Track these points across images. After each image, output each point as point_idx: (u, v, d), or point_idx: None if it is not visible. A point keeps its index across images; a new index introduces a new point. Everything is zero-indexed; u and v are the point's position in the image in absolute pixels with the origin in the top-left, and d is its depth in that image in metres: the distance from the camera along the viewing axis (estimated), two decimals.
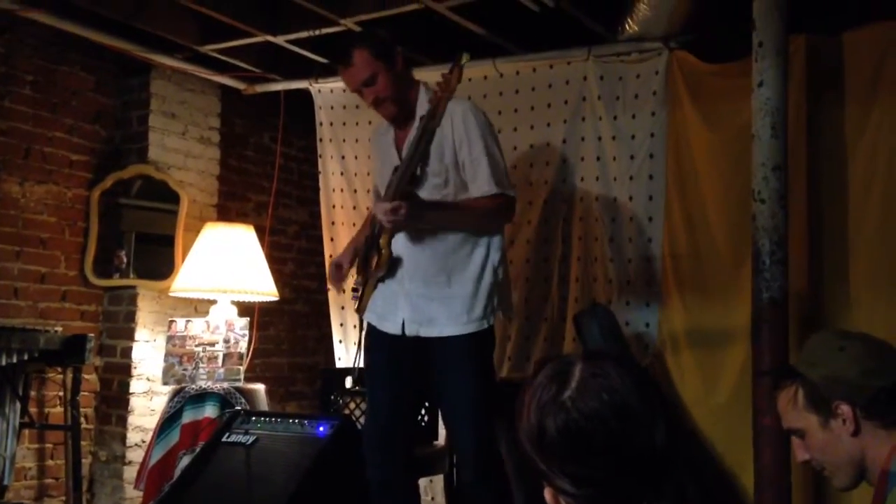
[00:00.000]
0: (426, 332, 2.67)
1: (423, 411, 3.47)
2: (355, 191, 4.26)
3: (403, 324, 2.69)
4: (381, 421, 2.75)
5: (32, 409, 3.81)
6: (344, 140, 4.28)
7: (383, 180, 2.81)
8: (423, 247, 2.68)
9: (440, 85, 2.55)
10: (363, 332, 2.87)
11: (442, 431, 3.47)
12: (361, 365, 2.99)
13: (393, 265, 2.70)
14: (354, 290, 2.82)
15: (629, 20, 3.31)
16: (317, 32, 3.75)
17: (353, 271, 2.92)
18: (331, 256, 4.32)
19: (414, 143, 2.61)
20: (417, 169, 2.61)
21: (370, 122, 4.19)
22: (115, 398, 4.14)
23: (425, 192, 2.67)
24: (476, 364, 2.67)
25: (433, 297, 2.67)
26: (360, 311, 2.83)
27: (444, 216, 2.67)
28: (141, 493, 3.73)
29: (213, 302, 4.00)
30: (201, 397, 3.72)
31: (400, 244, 2.70)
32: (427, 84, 2.80)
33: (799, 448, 1.75)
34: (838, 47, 3.12)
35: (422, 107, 2.70)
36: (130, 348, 4.12)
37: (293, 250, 5.08)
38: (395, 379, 2.74)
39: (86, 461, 4.05)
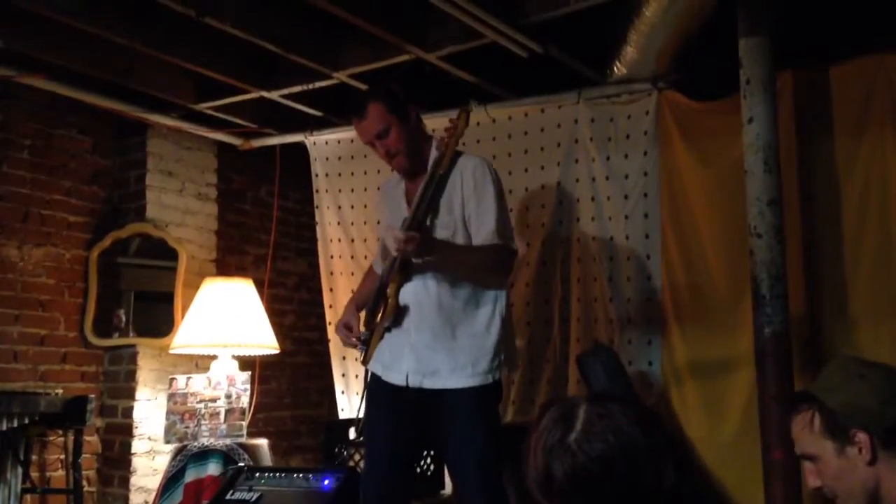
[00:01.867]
0: (430, 383, 2.64)
1: (428, 461, 3.44)
2: (353, 240, 4.27)
3: (408, 375, 2.67)
4: (379, 473, 2.71)
5: (34, 474, 3.76)
6: (340, 190, 4.31)
7: (390, 233, 2.81)
8: (431, 299, 2.67)
9: (448, 130, 2.59)
10: (366, 383, 2.85)
11: (448, 480, 3.43)
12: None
13: (399, 315, 2.69)
14: (362, 341, 2.81)
15: (617, 62, 3.35)
16: (310, 87, 3.80)
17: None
18: (331, 307, 4.32)
19: (423, 191, 2.63)
20: (427, 219, 2.63)
21: (366, 173, 4.23)
22: (117, 459, 4.10)
23: None
24: (482, 418, 2.62)
25: (438, 348, 2.65)
26: (365, 361, 2.82)
27: (451, 254, 2.67)
28: None
29: (214, 357, 3.99)
30: (204, 455, 3.68)
31: (408, 295, 2.69)
32: (437, 138, 2.83)
33: (811, 474, 1.73)
34: (825, 81, 3.16)
35: (434, 159, 2.72)
36: (131, 408, 4.09)
37: (293, 302, 5.08)
38: (395, 431, 2.70)
39: None
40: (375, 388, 2.79)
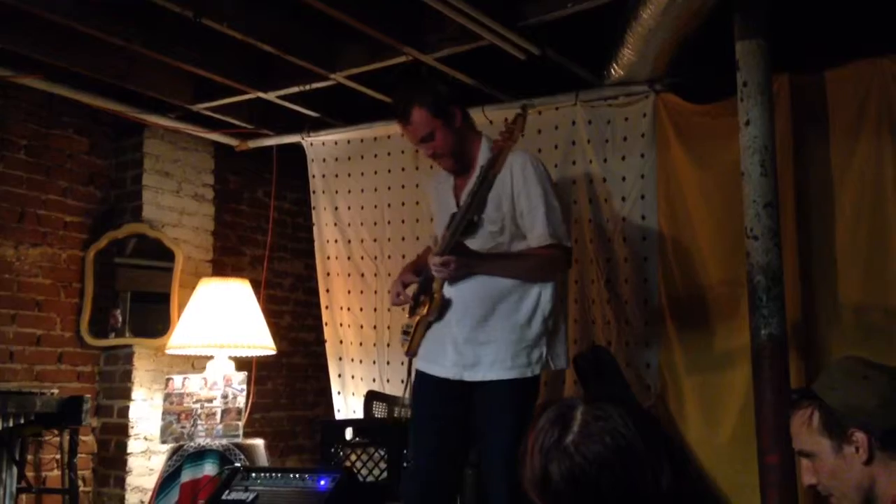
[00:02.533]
0: (470, 375, 2.66)
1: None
2: (349, 241, 4.27)
3: (450, 368, 2.69)
4: (424, 468, 2.73)
5: (29, 474, 3.75)
6: (337, 191, 4.31)
7: (441, 226, 2.81)
8: (474, 292, 2.67)
9: (503, 134, 2.58)
10: (411, 377, 2.84)
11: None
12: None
13: (443, 309, 2.70)
14: (405, 332, 2.81)
15: (614, 65, 3.36)
16: (307, 88, 3.80)
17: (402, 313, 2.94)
18: (327, 307, 4.32)
19: (472, 191, 2.62)
20: (475, 216, 2.63)
21: (362, 174, 4.23)
22: (112, 459, 4.09)
23: (481, 239, 2.69)
24: (514, 411, 2.61)
25: (479, 340, 2.66)
26: (409, 352, 2.82)
27: (495, 266, 2.68)
28: None
29: (210, 358, 3.98)
30: (200, 455, 3.67)
31: (451, 288, 2.70)
32: (488, 136, 2.83)
33: (807, 471, 1.73)
34: (821, 85, 3.17)
35: (483, 157, 2.73)
36: (127, 408, 4.08)
37: (289, 303, 5.07)
38: (440, 425, 2.72)
39: None
40: (419, 384, 2.80)
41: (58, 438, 3.80)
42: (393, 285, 2.96)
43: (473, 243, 2.67)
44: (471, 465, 2.97)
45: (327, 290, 4.33)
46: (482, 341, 2.65)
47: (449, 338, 2.70)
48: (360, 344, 4.20)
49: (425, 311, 2.73)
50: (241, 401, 3.89)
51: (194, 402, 3.85)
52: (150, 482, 3.92)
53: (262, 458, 3.81)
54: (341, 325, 4.28)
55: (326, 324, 4.33)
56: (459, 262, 2.57)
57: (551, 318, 2.71)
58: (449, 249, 2.59)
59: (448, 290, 2.70)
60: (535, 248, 2.68)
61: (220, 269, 4.62)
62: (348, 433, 3.63)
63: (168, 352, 4.04)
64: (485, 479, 2.75)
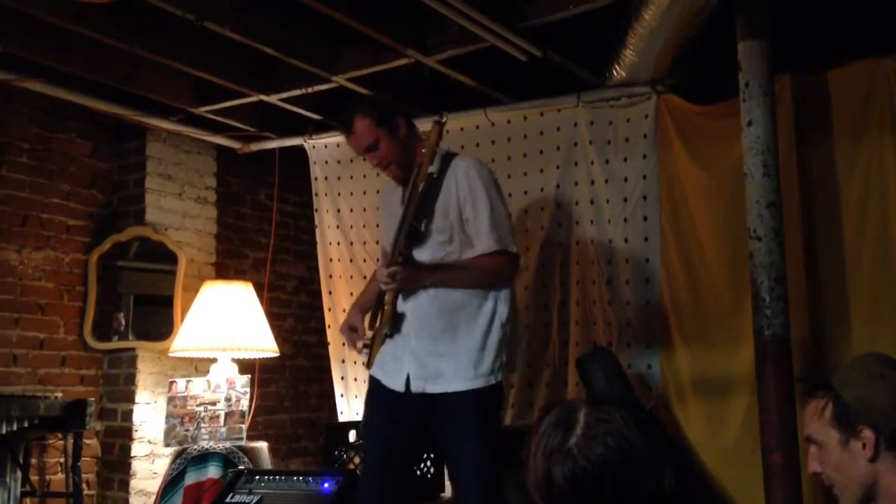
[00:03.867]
0: (432, 387, 2.64)
1: (428, 464, 3.43)
2: (352, 243, 4.27)
3: (408, 380, 2.67)
4: (376, 477, 2.72)
5: (34, 477, 3.76)
6: (339, 194, 4.31)
7: (388, 237, 2.82)
8: (430, 303, 2.67)
9: (420, 143, 2.62)
10: (368, 387, 2.85)
11: (448, 484, 3.43)
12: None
13: (397, 321, 2.68)
14: (364, 345, 2.82)
15: (616, 66, 3.36)
16: (309, 90, 3.81)
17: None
18: (330, 310, 4.32)
19: (406, 200, 2.64)
20: (422, 225, 2.63)
21: (364, 176, 4.23)
22: (116, 462, 4.10)
23: (429, 249, 2.68)
24: (483, 420, 2.62)
25: (440, 352, 2.65)
26: (368, 366, 2.82)
27: (444, 277, 2.67)
28: None
29: (214, 360, 3.99)
30: (204, 458, 3.68)
31: (408, 300, 2.69)
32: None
33: (813, 459, 1.76)
34: (824, 85, 3.17)
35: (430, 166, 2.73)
36: (131, 411, 4.09)
37: (292, 305, 5.08)
38: (393, 435, 2.70)
39: None
40: (374, 393, 2.79)
41: (61, 442, 3.80)
42: (342, 330, 2.95)
43: (422, 253, 2.66)
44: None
45: (330, 293, 4.33)
46: (442, 353, 2.64)
47: (408, 351, 2.68)
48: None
49: (377, 323, 2.74)
50: (244, 403, 3.89)
51: (198, 405, 3.85)
52: (154, 485, 3.92)
53: (266, 461, 3.82)
54: None
55: (329, 326, 4.33)
56: (405, 272, 2.56)
57: (508, 324, 2.70)
58: (394, 262, 2.59)
59: (403, 304, 2.69)
60: (482, 256, 2.66)
61: (223, 271, 4.62)
62: (352, 436, 3.64)
63: (171, 355, 4.05)
64: (456, 483, 2.75)
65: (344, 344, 4.22)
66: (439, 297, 2.66)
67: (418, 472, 3.42)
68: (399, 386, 2.68)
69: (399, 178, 2.81)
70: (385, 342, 2.73)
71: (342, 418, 4.22)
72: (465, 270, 2.68)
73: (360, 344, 2.84)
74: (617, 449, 1.14)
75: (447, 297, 2.66)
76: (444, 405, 2.63)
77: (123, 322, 4.21)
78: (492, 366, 2.64)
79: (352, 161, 4.26)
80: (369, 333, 2.83)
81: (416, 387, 2.65)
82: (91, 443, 4.07)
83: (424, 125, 2.97)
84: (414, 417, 2.67)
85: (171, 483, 3.66)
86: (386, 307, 2.68)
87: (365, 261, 4.23)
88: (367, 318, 2.85)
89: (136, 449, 4.07)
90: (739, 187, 2.89)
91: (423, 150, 2.61)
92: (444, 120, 2.60)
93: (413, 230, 2.60)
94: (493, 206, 2.67)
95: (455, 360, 2.63)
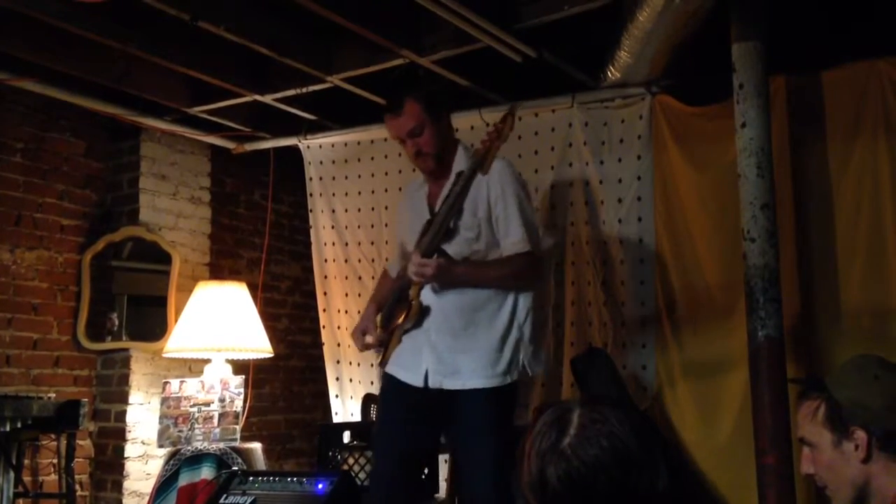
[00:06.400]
0: (450, 384, 2.65)
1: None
2: (347, 244, 4.27)
3: (426, 376, 2.67)
4: (388, 473, 2.72)
5: (26, 478, 3.75)
6: (334, 194, 4.31)
7: (412, 235, 2.80)
8: (452, 300, 2.67)
9: (490, 134, 2.59)
10: (382, 386, 2.85)
11: (442, 485, 3.43)
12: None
13: (421, 317, 2.70)
14: (378, 344, 2.81)
15: (611, 67, 3.36)
16: (304, 90, 3.80)
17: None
18: (324, 310, 4.32)
19: (453, 196, 2.63)
20: (451, 222, 2.64)
21: (359, 176, 4.23)
22: (109, 463, 4.08)
23: (457, 246, 2.68)
24: (495, 419, 2.63)
25: (459, 349, 2.65)
26: (383, 364, 2.82)
27: (472, 273, 2.68)
28: None
29: (208, 361, 3.98)
30: (197, 459, 3.67)
31: (429, 297, 2.70)
32: (465, 144, 2.85)
33: (806, 460, 1.77)
34: (818, 86, 3.17)
35: (458, 164, 2.73)
36: (124, 412, 4.08)
37: (287, 306, 5.07)
38: (407, 432, 2.71)
39: None
40: (389, 389, 2.79)
41: (55, 443, 3.80)
42: (353, 334, 2.92)
43: (449, 249, 2.67)
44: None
45: (325, 293, 4.33)
46: (462, 350, 2.65)
47: (427, 346, 2.68)
48: None
49: (402, 319, 2.73)
50: (238, 404, 3.89)
51: (191, 406, 3.85)
52: (148, 486, 3.91)
53: (260, 462, 3.81)
54: (339, 327, 4.28)
55: (324, 327, 4.33)
56: (439, 265, 2.57)
57: (527, 324, 2.71)
58: (430, 253, 2.59)
59: (425, 297, 2.69)
60: (509, 256, 2.67)
61: (217, 272, 4.61)
62: (346, 436, 3.64)
63: (165, 355, 4.04)
64: (465, 479, 2.76)
65: (339, 344, 4.26)
66: (462, 295, 2.67)
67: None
68: (417, 381, 2.68)
69: (430, 170, 2.80)
70: (402, 339, 2.73)
71: (336, 419, 4.22)
72: (494, 268, 2.69)
73: (369, 339, 2.83)
74: (611, 449, 1.14)
75: (469, 296, 2.67)
76: (460, 401, 2.64)
77: (117, 322, 4.19)
78: (508, 366, 2.65)
79: (347, 161, 4.26)
80: (376, 332, 2.83)
81: (433, 382, 2.66)
82: (84, 443, 4.06)
83: None
84: (429, 416, 2.68)
85: (165, 484, 3.65)
86: (412, 302, 2.69)
87: (360, 261, 4.23)
88: (380, 317, 2.85)
89: (130, 450, 4.06)
90: (733, 188, 2.90)
91: (489, 141, 2.58)
92: (515, 111, 2.63)
93: (447, 227, 2.61)
94: (523, 207, 2.68)
95: (473, 357, 2.64)
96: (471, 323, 2.66)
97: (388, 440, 2.75)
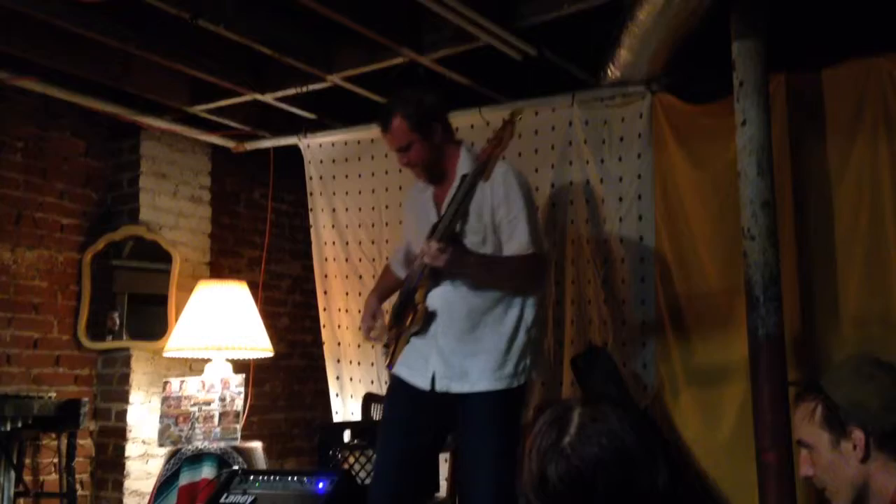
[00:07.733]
0: (458, 387, 2.65)
1: None
2: (347, 243, 4.27)
3: (433, 379, 2.68)
4: (391, 474, 2.72)
5: (27, 477, 3.75)
6: (334, 193, 4.31)
7: (418, 237, 2.80)
8: (459, 303, 2.67)
9: (491, 141, 2.60)
10: (389, 386, 2.86)
11: (442, 484, 3.43)
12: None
13: (428, 320, 2.69)
14: (385, 345, 2.82)
15: (611, 65, 3.36)
16: (304, 89, 3.80)
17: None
18: (325, 309, 4.32)
19: (459, 198, 2.63)
20: (458, 225, 2.64)
21: (360, 175, 4.23)
22: (110, 462, 4.09)
23: None
24: (503, 421, 2.63)
25: (467, 352, 2.66)
26: (390, 365, 2.82)
27: (484, 265, 2.68)
28: None
29: (208, 360, 3.98)
30: (198, 458, 3.67)
31: (436, 299, 2.70)
32: (468, 144, 2.85)
33: (805, 462, 1.76)
34: (818, 84, 3.17)
35: (463, 166, 2.73)
36: (125, 411, 4.08)
37: (287, 305, 5.07)
38: (412, 433, 2.71)
39: None
40: (396, 392, 2.80)
41: (55, 442, 3.80)
42: (364, 319, 2.94)
43: None
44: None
45: (325, 292, 4.33)
46: (470, 353, 2.65)
47: (434, 349, 2.68)
48: (358, 346, 4.19)
49: (409, 322, 2.73)
50: (238, 403, 3.89)
51: (192, 405, 3.85)
52: (148, 486, 3.92)
53: (260, 461, 3.81)
54: (339, 326, 4.28)
55: (324, 326, 4.33)
56: (454, 252, 2.56)
57: (534, 327, 2.72)
58: (446, 238, 2.59)
59: (431, 301, 2.69)
60: (515, 256, 2.67)
61: (218, 271, 4.62)
62: (346, 435, 3.63)
63: (165, 354, 4.04)
64: (470, 479, 2.75)
65: (339, 343, 4.26)
66: (469, 297, 2.67)
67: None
68: (424, 384, 2.69)
69: (423, 179, 2.82)
70: (409, 341, 2.74)
71: (337, 418, 4.22)
72: (502, 266, 2.69)
73: (374, 333, 2.84)
74: (611, 448, 1.14)
75: (477, 298, 2.67)
76: (467, 404, 2.64)
77: (117, 321, 4.20)
78: (515, 368, 2.66)
79: (347, 160, 4.26)
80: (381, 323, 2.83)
81: (440, 386, 2.66)
82: (85, 443, 4.07)
83: None
84: (435, 418, 2.69)
85: (166, 483, 3.65)
86: (418, 306, 2.69)
87: (360, 260, 4.23)
88: (388, 318, 2.85)
89: (131, 449, 4.06)
90: (734, 186, 2.90)
91: (489, 149, 2.59)
92: (517, 119, 2.63)
93: (453, 230, 2.61)
94: (528, 210, 2.69)
95: (481, 360, 2.64)
96: (477, 326, 2.66)
97: (392, 440, 2.75)
